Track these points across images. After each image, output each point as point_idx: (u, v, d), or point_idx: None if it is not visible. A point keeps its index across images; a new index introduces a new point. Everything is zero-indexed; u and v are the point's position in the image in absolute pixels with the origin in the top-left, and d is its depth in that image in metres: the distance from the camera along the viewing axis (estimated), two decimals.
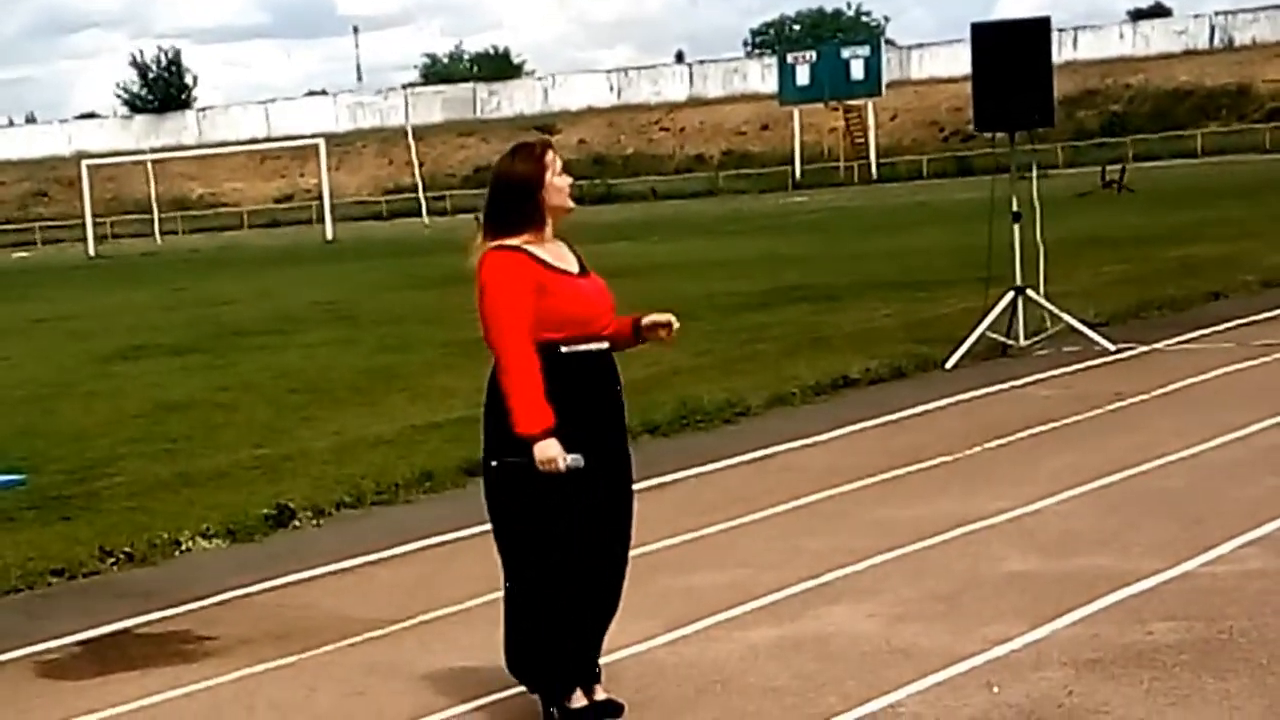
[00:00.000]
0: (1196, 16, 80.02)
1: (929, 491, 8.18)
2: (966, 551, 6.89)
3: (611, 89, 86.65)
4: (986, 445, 9.27)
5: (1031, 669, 5.29)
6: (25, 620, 6.86)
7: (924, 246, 25.43)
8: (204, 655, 6.18)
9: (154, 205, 68.84)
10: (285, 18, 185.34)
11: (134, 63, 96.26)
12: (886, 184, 65.06)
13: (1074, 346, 12.94)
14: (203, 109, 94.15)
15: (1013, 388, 11.45)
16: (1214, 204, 31.35)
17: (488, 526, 5.09)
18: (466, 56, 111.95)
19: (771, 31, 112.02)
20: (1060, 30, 69.37)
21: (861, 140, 73.21)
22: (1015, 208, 13.31)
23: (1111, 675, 5.18)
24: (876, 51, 75.61)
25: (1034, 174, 13.67)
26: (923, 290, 17.99)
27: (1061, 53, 66.35)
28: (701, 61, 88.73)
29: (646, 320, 5.05)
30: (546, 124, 79.40)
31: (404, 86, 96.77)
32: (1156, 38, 79.30)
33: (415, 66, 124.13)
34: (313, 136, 67.80)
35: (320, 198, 60.31)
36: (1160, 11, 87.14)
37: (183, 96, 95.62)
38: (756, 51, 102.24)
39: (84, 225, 59.74)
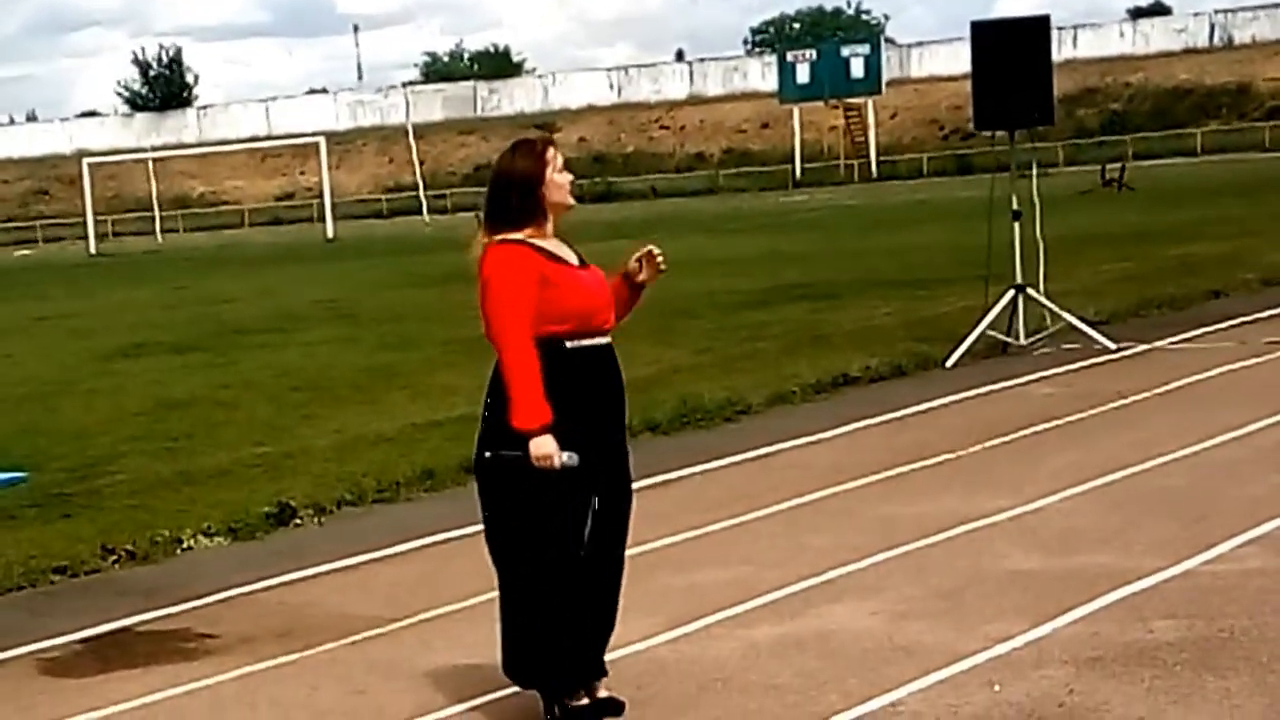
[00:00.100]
0: (1196, 15, 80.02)
1: (930, 489, 8.18)
2: (968, 549, 6.89)
3: (611, 87, 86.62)
4: (987, 443, 9.28)
5: (1033, 667, 5.29)
6: (27, 618, 6.86)
7: (924, 245, 25.43)
8: (205, 653, 6.19)
9: (155, 203, 68.83)
10: (286, 16, 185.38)
11: (136, 60, 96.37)
12: (886, 182, 65.05)
13: (1074, 345, 12.94)
14: (203, 107, 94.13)
15: (1013, 386, 11.45)
16: (1214, 202, 31.36)
17: None
18: (467, 55, 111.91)
19: (772, 30, 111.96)
20: (1060, 28, 69.42)
21: (861, 138, 73.18)
22: (1015, 206, 13.31)
23: (1112, 673, 5.18)
24: (876, 50, 75.57)
25: (1034, 172, 13.67)
26: (923, 288, 17.99)
27: (1061, 51, 66.31)
28: (701, 60, 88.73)
29: (631, 264, 5.04)
30: (547, 122, 79.32)
31: (404, 85, 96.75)
32: (1156, 36, 79.26)
33: (415, 65, 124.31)
34: (313, 135, 67.79)
35: (321, 196, 60.31)
36: (1160, 10, 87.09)
37: (184, 95, 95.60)
38: (757, 50, 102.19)
39: (85, 223, 59.74)
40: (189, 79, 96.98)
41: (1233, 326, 13.64)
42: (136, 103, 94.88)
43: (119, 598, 7.07)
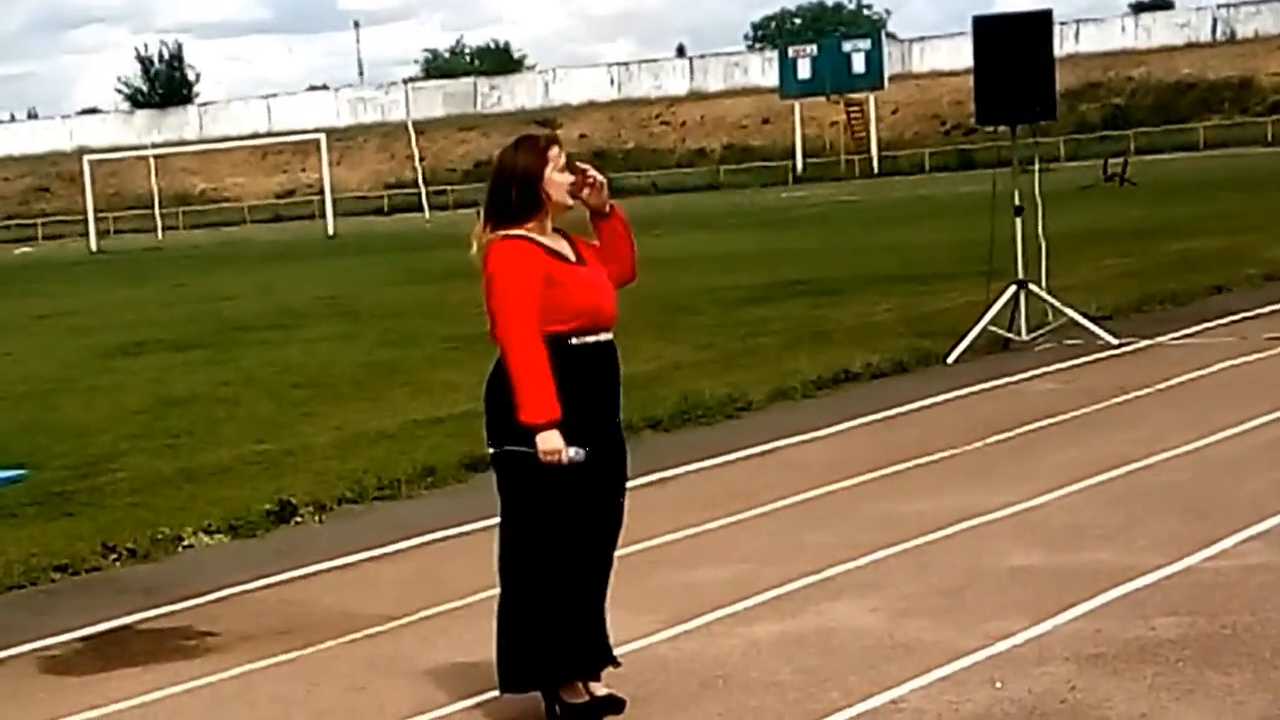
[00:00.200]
0: (1198, 9, 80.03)
1: (931, 486, 8.17)
2: (969, 546, 6.88)
3: (612, 83, 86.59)
4: (989, 440, 9.26)
5: (1034, 664, 5.28)
6: (28, 616, 6.86)
7: (925, 240, 25.41)
8: (206, 651, 6.18)
9: (156, 200, 68.79)
10: (286, 13, 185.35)
11: (139, 57, 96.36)
12: (888, 178, 65.01)
13: (1076, 340, 12.92)
14: (204, 104, 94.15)
15: (1015, 382, 11.43)
16: (1216, 197, 31.33)
17: (490, 522, 5.10)
18: (467, 51, 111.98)
19: (772, 25, 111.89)
20: (1062, 23, 69.41)
21: (863, 134, 73.15)
22: (1017, 201, 13.29)
23: (1114, 670, 5.17)
24: (878, 45, 75.53)
25: (1036, 167, 13.66)
26: (924, 284, 17.97)
27: (1063, 45, 66.33)
28: (702, 55, 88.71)
29: (587, 198, 4.97)
30: (547, 118, 79.36)
31: (405, 81, 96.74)
32: (1158, 30, 79.24)
33: (416, 61, 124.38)
34: (314, 131, 67.79)
35: (322, 193, 60.28)
36: (1162, 4, 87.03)
37: (185, 91, 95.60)
38: (757, 45, 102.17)
39: (86, 221, 59.72)
40: (190, 76, 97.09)
41: (1234, 322, 13.63)
42: (137, 100, 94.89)
43: (119, 596, 7.07)
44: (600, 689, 5.04)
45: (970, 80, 13.85)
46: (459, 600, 6.43)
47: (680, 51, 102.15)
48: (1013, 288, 13.10)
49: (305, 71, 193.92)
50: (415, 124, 72.74)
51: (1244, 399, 9.88)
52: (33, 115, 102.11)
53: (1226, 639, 5.41)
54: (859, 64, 72.90)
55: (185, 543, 7.92)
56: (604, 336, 4.96)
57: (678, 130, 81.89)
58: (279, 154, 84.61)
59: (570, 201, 4.98)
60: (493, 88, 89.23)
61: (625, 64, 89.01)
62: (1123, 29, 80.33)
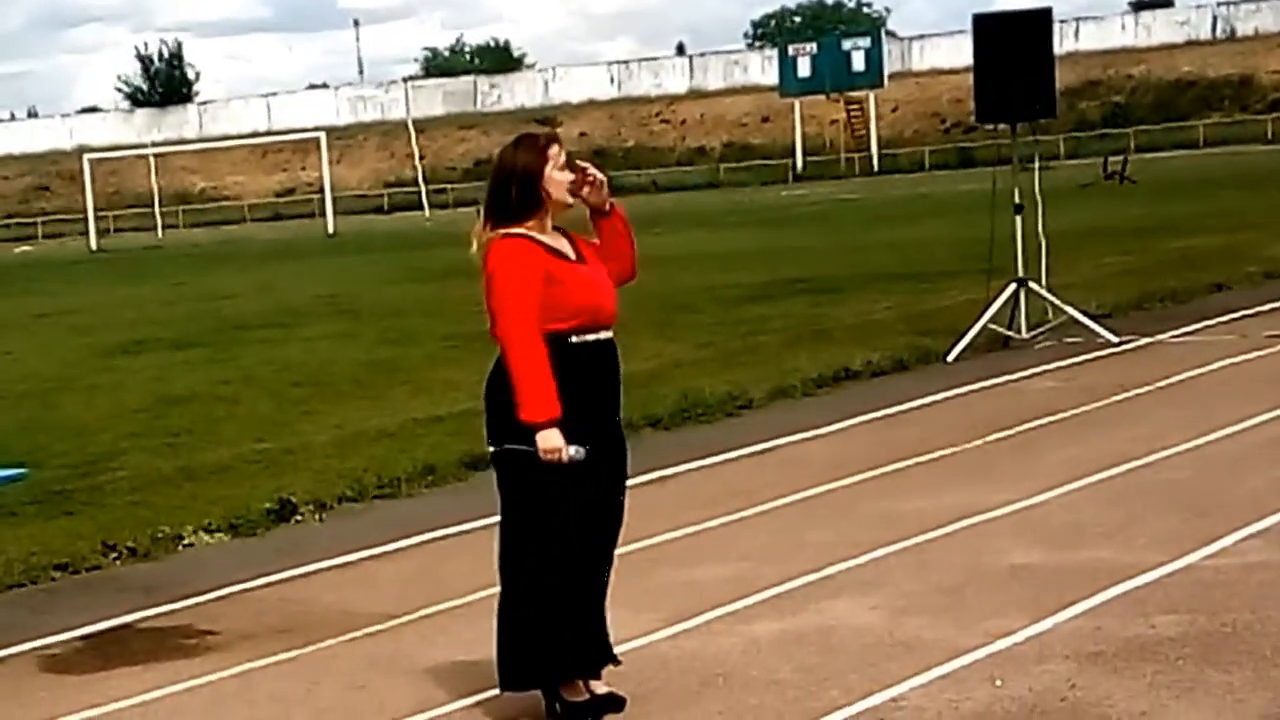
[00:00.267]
0: (1198, 7, 79.96)
1: (931, 484, 8.17)
2: (969, 544, 6.88)
3: (612, 81, 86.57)
4: (989, 438, 9.26)
5: (1034, 662, 5.28)
6: (28, 615, 6.86)
7: (925, 238, 25.41)
8: (206, 650, 6.18)
9: (156, 199, 68.78)
10: (286, 11, 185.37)
11: (139, 56, 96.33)
12: (888, 176, 65.00)
13: (1076, 338, 12.92)
14: (204, 103, 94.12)
15: (1015, 380, 11.43)
16: (1216, 195, 31.33)
17: (490, 520, 5.10)
18: (467, 49, 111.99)
19: (772, 23, 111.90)
20: (1062, 21, 69.39)
21: (863, 132, 73.13)
22: (1017, 199, 13.29)
23: (1114, 668, 5.17)
24: (877, 43, 75.51)
25: (1036, 165, 13.65)
26: (924, 282, 17.97)
27: (1063, 43, 66.31)
28: (702, 54, 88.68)
29: (586, 196, 4.98)
30: (547, 116, 79.34)
31: (405, 79, 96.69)
32: (1158, 28, 79.21)
33: (416, 60, 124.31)
34: (314, 130, 67.73)
35: (322, 191, 60.27)
36: (1162, 2, 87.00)
37: (184, 90, 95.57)
38: (757, 43, 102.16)
39: (86, 219, 59.69)
40: (190, 74, 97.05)
41: (1234, 320, 13.63)
42: (137, 98, 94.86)
43: (120, 594, 7.07)
44: (601, 687, 5.04)
45: (970, 78, 13.84)
46: (459, 599, 6.43)
47: (680, 50, 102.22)
48: (1013, 286, 13.10)
49: (305, 70, 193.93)
50: (415, 122, 72.72)
51: (1244, 397, 9.88)
52: (33, 114, 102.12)
53: (1226, 637, 5.41)
54: (859, 62, 72.87)
55: (185, 541, 7.92)
56: (604, 335, 4.96)
57: (678, 128, 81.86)
58: (279, 152, 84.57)
59: (570, 200, 4.98)
60: (493, 86, 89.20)
61: (625, 62, 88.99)
62: (1123, 27, 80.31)
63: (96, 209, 61.36)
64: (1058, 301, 13.23)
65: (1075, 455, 8.54)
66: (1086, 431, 9.29)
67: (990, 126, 14.20)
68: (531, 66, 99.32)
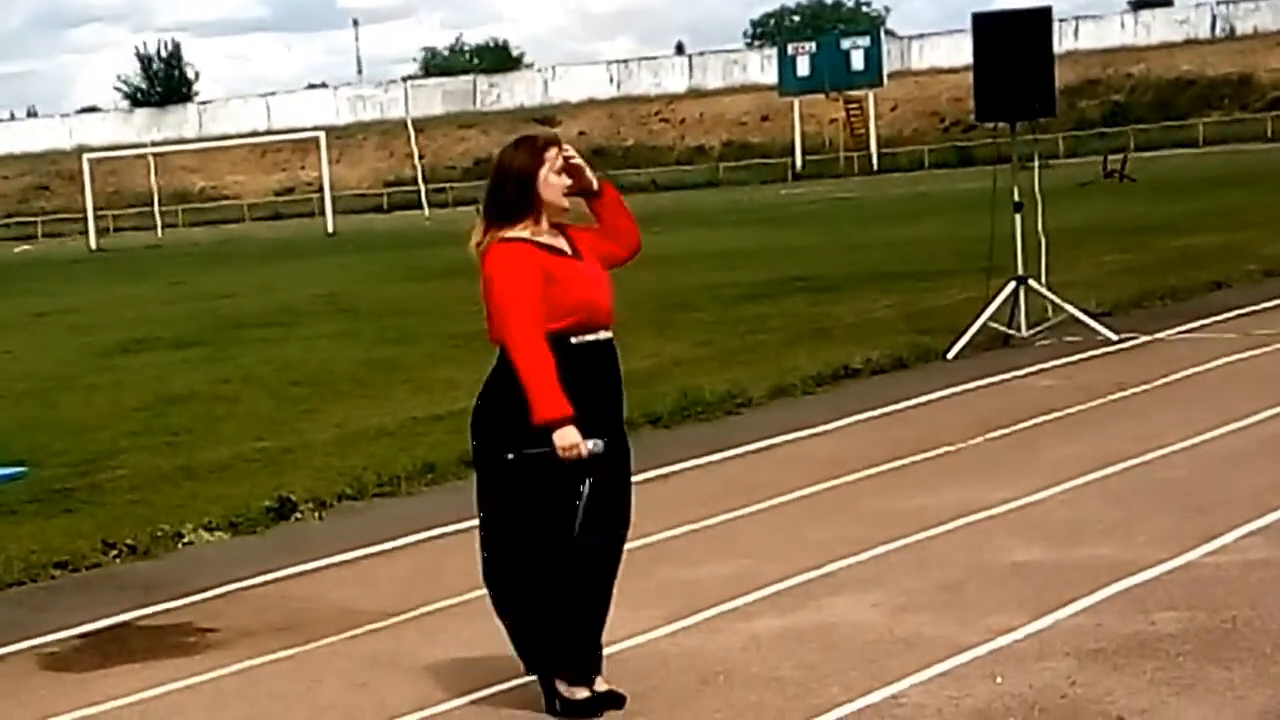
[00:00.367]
0: (1198, 5, 79.97)
1: (931, 482, 8.17)
2: (969, 542, 6.88)
3: (611, 80, 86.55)
4: (988, 435, 9.26)
5: (1035, 659, 5.28)
6: (28, 613, 6.86)
7: (925, 237, 25.41)
8: (206, 648, 6.18)
9: (155, 198, 68.82)
10: (285, 11, 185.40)
11: (139, 56, 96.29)
12: (887, 174, 65.02)
13: (1076, 336, 12.92)
14: (204, 102, 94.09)
15: (1014, 378, 11.43)
16: (1216, 193, 31.32)
17: None
18: (466, 49, 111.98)
19: (771, 22, 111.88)
20: (1061, 20, 69.41)
21: (862, 131, 73.14)
22: (1016, 198, 13.29)
23: (1115, 665, 5.17)
24: (877, 42, 75.53)
25: (1035, 164, 13.66)
26: (924, 281, 17.97)
27: (1062, 42, 66.29)
28: (701, 53, 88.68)
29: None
30: (546, 116, 79.38)
31: (404, 79, 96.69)
32: (1158, 27, 79.22)
33: (415, 59, 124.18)
34: (313, 129, 67.73)
35: (321, 190, 60.26)
36: (1161, 1, 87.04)
37: (184, 90, 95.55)
38: (757, 42, 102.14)
39: (86, 219, 59.70)
40: (189, 74, 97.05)
41: (1234, 318, 13.63)
42: (137, 98, 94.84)
43: (119, 592, 7.07)
44: (601, 684, 5.04)
45: (969, 77, 13.84)
46: (459, 597, 6.42)
47: (679, 49, 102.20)
48: (1012, 284, 13.10)
49: (304, 69, 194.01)
50: (414, 122, 72.75)
51: (1243, 394, 9.88)
52: (32, 114, 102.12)
53: (1227, 634, 5.41)
54: (858, 61, 72.88)
55: (185, 539, 7.92)
56: (603, 335, 4.96)
57: (677, 128, 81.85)
58: (278, 152, 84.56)
59: (565, 204, 4.98)
60: (492, 85, 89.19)
61: (624, 61, 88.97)
62: (1122, 25, 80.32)
63: (96, 208, 61.37)
64: (1057, 300, 13.23)
65: (1075, 453, 8.54)
66: (1086, 429, 9.29)
67: (990, 125, 14.17)
68: (531, 66, 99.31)
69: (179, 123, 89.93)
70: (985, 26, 13.22)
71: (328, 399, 12.37)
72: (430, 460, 9.19)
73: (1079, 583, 6.06)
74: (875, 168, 69.48)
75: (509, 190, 4.92)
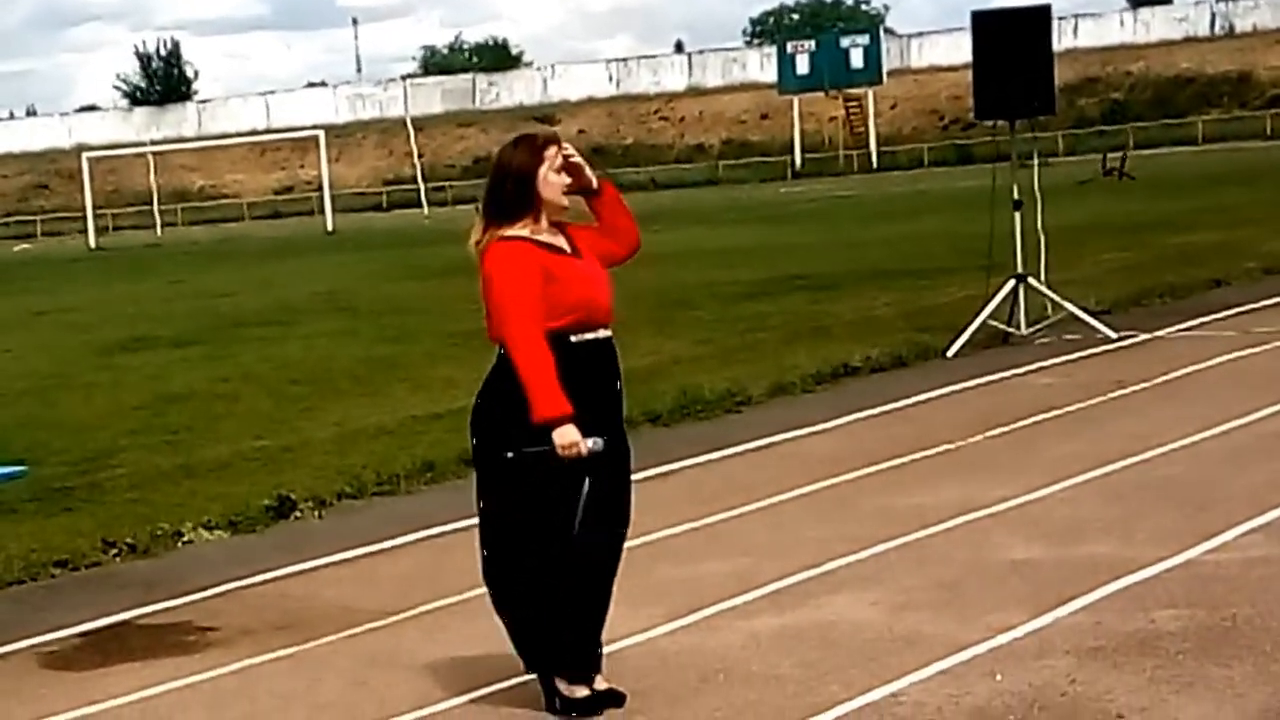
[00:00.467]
0: (1197, 3, 79.94)
1: (931, 480, 8.17)
2: (969, 540, 6.88)
3: (611, 79, 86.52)
4: (988, 433, 9.26)
5: (1034, 657, 5.28)
6: (28, 612, 6.86)
7: (925, 235, 25.41)
8: (206, 646, 6.18)
9: (154, 197, 68.80)
10: (285, 9, 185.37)
11: (138, 54, 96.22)
12: (887, 173, 65.00)
13: (1075, 334, 12.92)
14: (203, 101, 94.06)
15: (1014, 376, 11.43)
16: (1215, 191, 31.33)
17: None
18: (466, 47, 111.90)
19: (771, 20, 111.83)
20: (1061, 18, 69.32)
21: (861, 129, 73.12)
22: (1016, 195, 13.29)
23: (1115, 663, 5.17)
24: (876, 40, 75.49)
25: (1035, 162, 13.66)
26: (923, 279, 17.97)
27: (1062, 40, 66.30)
28: (701, 51, 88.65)
29: (588, 183, 4.99)
30: (546, 114, 79.34)
31: (403, 77, 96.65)
32: (1157, 25, 79.22)
33: (414, 57, 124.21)
34: (313, 128, 67.71)
35: (320, 189, 60.25)
36: None
37: (183, 89, 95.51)
38: (756, 41, 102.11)
39: (85, 217, 59.68)
40: (189, 73, 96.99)
41: (1233, 315, 13.62)
42: (136, 97, 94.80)
43: (119, 591, 7.07)
44: (600, 682, 5.04)
45: (969, 75, 13.84)
46: (459, 595, 6.42)
47: (679, 47, 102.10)
48: (1012, 282, 13.10)
49: (304, 68, 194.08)
50: (414, 120, 72.76)
51: (1243, 392, 9.88)
52: (32, 112, 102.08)
53: (1226, 631, 5.41)
54: (857, 59, 72.84)
55: (185, 538, 7.92)
56: (602, 334, 4.95)
57: (676, 126, 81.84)
58: (278, 150, 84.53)
59: (565, 202, 4.98)
60: (491, 84, 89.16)
61: (624, 60, 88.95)
62: (1121, 24, 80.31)
63: (95, 207, 61.37)
64: (1057, 297, 13.23)
65: (1075, 450, 8.54)
66: (1086, 427, 9.29)
67: (989, 123, 14.17)
68: (530, 64, 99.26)
69: (178, 121, 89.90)
70: (984, 24, 13.22)
71: (327, 397, 12.37)
72: (430, 459, 9.19)
73: (1078, 580, 6.06)
74: (875, 166, 69.46)
75: (508, 189, 4.92)
